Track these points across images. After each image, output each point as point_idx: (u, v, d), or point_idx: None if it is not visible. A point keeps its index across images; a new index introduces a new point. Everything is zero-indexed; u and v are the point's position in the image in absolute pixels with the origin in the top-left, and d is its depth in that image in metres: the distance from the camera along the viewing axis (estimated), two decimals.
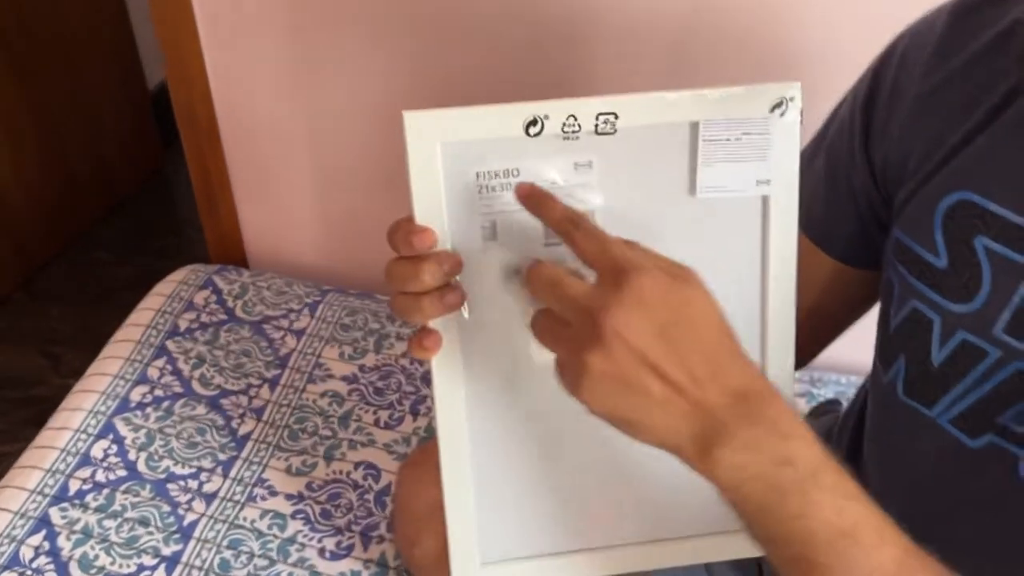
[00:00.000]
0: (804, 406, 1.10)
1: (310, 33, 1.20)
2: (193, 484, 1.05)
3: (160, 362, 1.18)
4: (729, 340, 0.50)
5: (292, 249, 1.41)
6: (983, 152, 0.57)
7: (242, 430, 1.11)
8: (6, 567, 0.96)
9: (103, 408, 1.12)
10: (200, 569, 0.97)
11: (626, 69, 1.12)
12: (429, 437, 1.10)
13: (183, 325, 1.24)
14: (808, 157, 0.69)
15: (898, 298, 0.63)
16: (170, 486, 1.04)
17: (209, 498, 1.03)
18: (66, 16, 1.89)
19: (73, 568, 0.96)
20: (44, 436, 1.09)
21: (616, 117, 0.58)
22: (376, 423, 1.12)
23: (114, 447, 1.08)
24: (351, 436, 1.11)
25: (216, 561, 0.97)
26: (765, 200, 0.60)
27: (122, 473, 1.05)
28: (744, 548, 0.56)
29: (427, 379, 1.15)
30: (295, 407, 1.14)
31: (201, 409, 1.13)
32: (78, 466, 1.06)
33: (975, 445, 0.58)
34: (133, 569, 0.96)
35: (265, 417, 1.13)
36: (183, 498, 1.03)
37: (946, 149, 0.59)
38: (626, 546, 0.65)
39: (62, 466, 1.05)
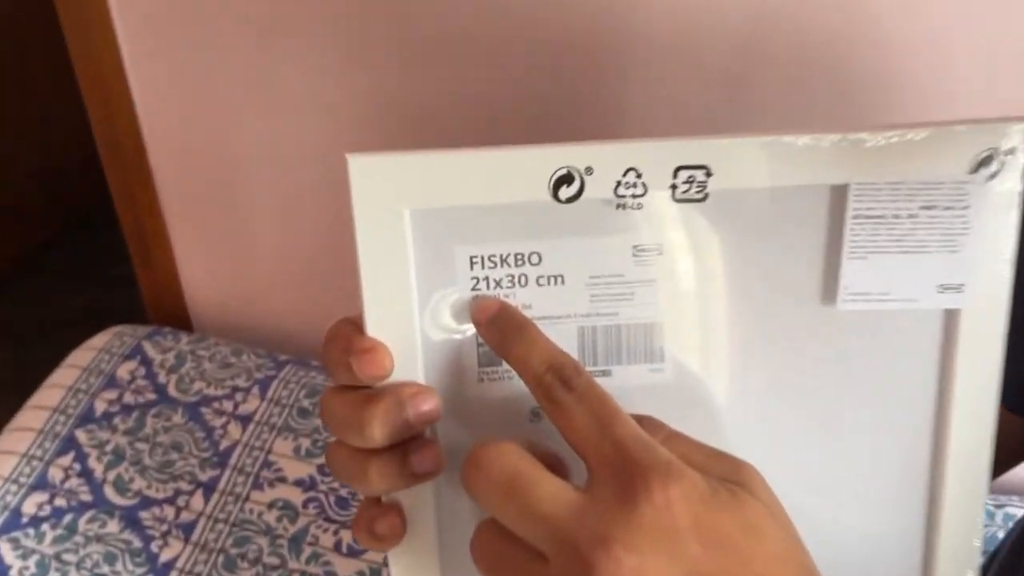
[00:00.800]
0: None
1: (267, 42, 0.97)
2: None
3: (66, 459, 0.95)
4: None
5: (243, 308, 1.17)
6: None
7: (164, 555, 0.87)
8: None
9: None
10: None
11: (667, 98, 0.88)
12: None
13: (100, 408, 1.00)
14: None
15: None
16: None
17: None
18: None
19: None
20: None
21: (708, 173, 0.35)
22: (336, 547, 0.88)
23: None
24: (304, 566, 0.87)
25: None
26: (951, 315, 0.37)
27: None
28: None
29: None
30: (234, 523, 0.90)
31: (113, 526, 0.89)
32: None
33: None
34: None
35: (195, 537, 0.89)
36: None
37: None
38: None
39: None
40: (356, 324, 0.37)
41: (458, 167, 0.35)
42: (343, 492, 0.93)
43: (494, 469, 0.32)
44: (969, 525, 0.40)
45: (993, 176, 0.35)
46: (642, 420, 0.33)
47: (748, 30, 0.83)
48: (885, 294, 0.36)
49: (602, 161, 0.35)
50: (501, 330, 0.36)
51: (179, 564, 0.87)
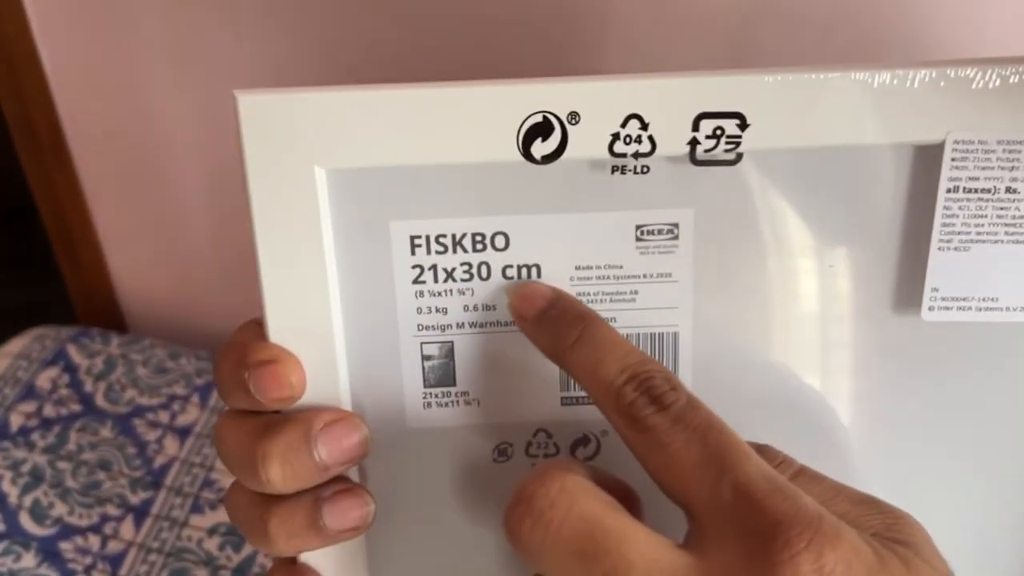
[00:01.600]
0: None
1: (192, 4, 0.86)
2: None
3: None
4: None
5: (180, 303, 1.08)
6: None
7: None
8: None
9: None
10: None
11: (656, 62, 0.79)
12: None
13: (16, 423, 0.90)
14: None
15: None
16: None
17: None
18: None
19: None
20: None
21: (743, 125, 0.25)
22: None
23: None
24: None
25: None
26: None
27: None
28: None
29: None
30: (170, 552, 0.81)
31: (29, 559, 0.79)
32: None
33: None
34: None
35: (124, 571, 0.80)
36: None
37: None
38: None
39: None
40: (253, 330, 0.29)
41: (392, 111, 0.25)
42: None
43: (560, 518, 0.23)
44: None
45: None
46: (760, 450, 0.25)
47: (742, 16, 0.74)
48: (991, 300, 0.26)
49: (592, 104, 0.25)
50: (556, 326, 0.27)
51: None
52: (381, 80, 0.27)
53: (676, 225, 0.27)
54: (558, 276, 0.27)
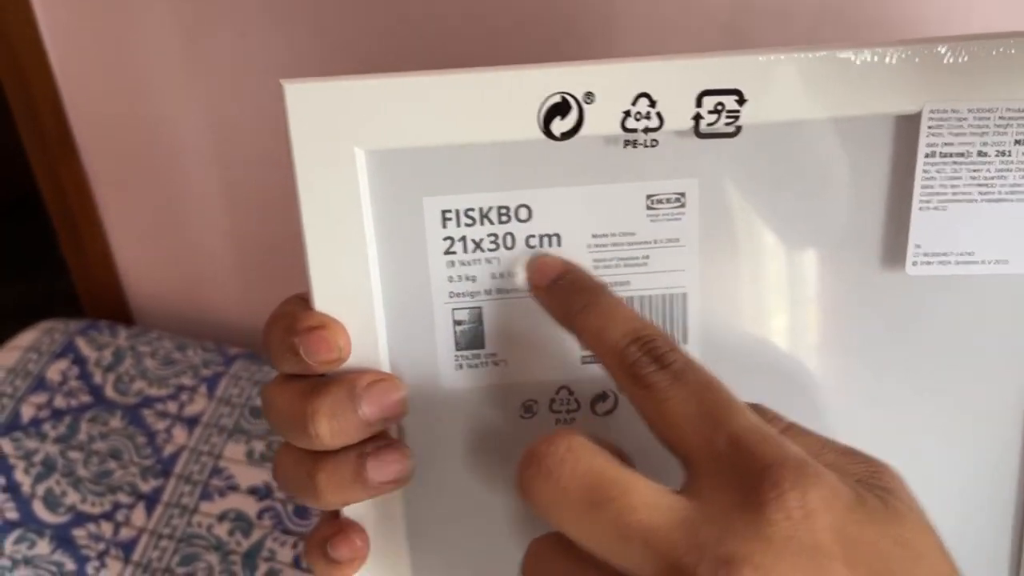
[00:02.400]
0: None
1: None
2: None
3: None
4: None
5: (188, 296, 1.10)
6: None
7: None
8: None
9: None
10: None
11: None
12: None
13: (28, 414, 0.93)
14: None
15: None
16: None
17: None
18: None
19: None
20: None
21: (741, 100, 0.28)
22: (295, 563, 0.82)
23: None
24: None
25: None
26: None
27: None
28: None
29: None
30: (181, 538, 0.84)
31: (43, 546, 0.82)
32: None
33: None
34: None
35: (137, 556, 0.83)
36: None
37: None
38: None
39: None
40: (305, 301, 0.32)
41: (424, 95, 0.28)
42: None
43: (568, 473, 0.26)
44: None
45: None
46: (754, 409, 0.28)
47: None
48: (968, 255, 0.30)
49: (606, 85, 0.28)
50: (566, 294, 0.30)
51: None
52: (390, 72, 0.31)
53: (683, 194, 0.30)
54: (577, 244, 0.30)
